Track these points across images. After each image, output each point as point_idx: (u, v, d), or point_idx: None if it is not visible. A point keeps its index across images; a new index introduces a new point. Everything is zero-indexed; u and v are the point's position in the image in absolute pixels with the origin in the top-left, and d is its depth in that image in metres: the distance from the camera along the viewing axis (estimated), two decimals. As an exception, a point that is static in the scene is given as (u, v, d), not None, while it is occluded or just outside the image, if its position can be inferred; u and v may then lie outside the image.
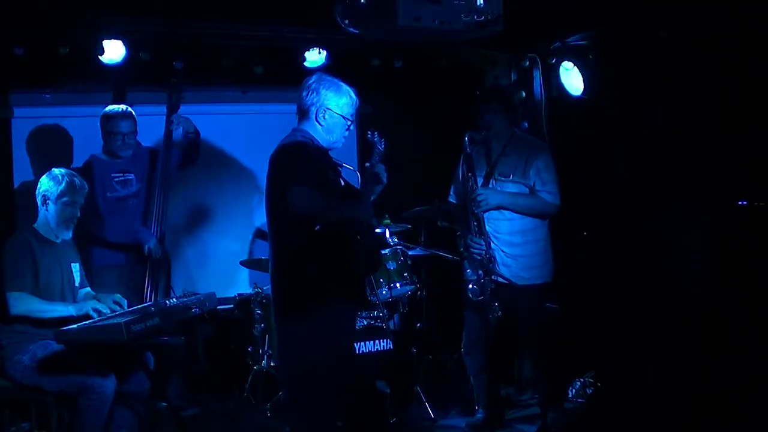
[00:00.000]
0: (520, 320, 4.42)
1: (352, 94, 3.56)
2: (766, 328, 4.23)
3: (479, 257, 4.32)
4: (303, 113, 3.54)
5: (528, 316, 4.41)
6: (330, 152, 3.61)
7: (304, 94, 3.52)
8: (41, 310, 3.89)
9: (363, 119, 5.63)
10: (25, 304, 3.87)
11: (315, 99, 3.49)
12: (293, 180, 3.29)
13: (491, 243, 4.36)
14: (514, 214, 4.41)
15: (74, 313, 3.90)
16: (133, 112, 4.84)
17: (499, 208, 4.39)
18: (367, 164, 3.52)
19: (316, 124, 3.51)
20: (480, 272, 4.32)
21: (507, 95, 4.68)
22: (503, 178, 4.44)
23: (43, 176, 4.11)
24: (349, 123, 3.56)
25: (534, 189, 4.41)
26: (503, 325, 4.32)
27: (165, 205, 4.83)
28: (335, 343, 3.45)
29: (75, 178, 4.10)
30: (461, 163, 4.53)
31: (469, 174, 4.39)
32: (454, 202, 4.72)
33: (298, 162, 3.35)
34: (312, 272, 3.39)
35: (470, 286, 4.34)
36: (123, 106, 4.84)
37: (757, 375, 4.16)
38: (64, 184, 4.05)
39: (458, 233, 4.86)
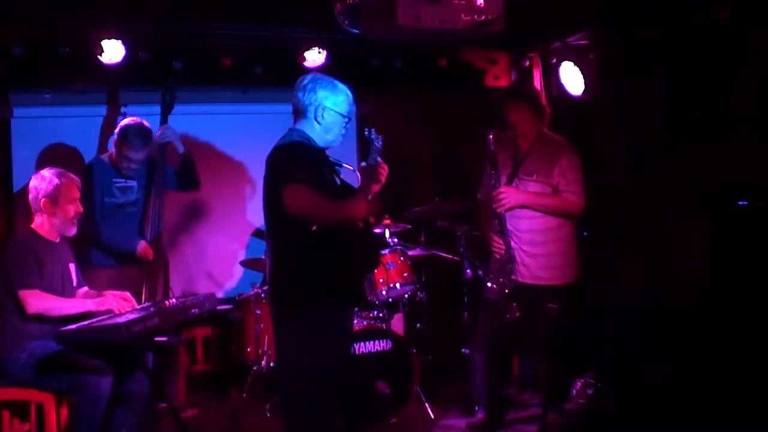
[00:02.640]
0: (534, 320, 4.37)
1: (348, 92, 3.54)
2: (766, 327, 4.23)
3: (499, 256, 4.31)
4: (300, 113, 3.53)
5: (541, 316, 4.36)
6: (328, 151, 3.60)
7: (301, 94, 3.50)
8: (60, 307, 3.89)
9: (363, 120, 5.64)
10: (41, 302, 3.86)
11: (313, 98, 3.47)
12: (289, 180, 3.28)
13: (511, 242, 4.34)
14: (537, 213, 4.36)
15: (93, 309, 3.92)
16: (151, 135, 4.73)
17: (521, 207, 4.35)
18: (363, 163, 3.51)
19: (315, 123, 3.50)
20: (497, 271, 4.28)
21: (534, 94, 4.60)
22: (527, 177, 4.39)
23: (33, 178, 4.07)
24: (346, 120, 3.55)
25: (558, 189, 4.36)
26: (516, 326, 4.30)
27: (160, 211, 4.80)
28: (331, 343, 3.44)
29: (63, 178, 4.05)
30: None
31: (493, 172, 4.35)
32: (482, 199, 4.68)
33: (294, 162, 3.34)
34: (308, 272, 3.39)
35: (488, 284, 4.31)
36: (145, 126, 4.71)
37: (756, 375, 4.16)
38: (54, 185, 4.00)
39: (458, 233, 4.86)
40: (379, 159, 3.48)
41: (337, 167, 3.66)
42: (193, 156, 4.97)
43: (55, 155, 5.31)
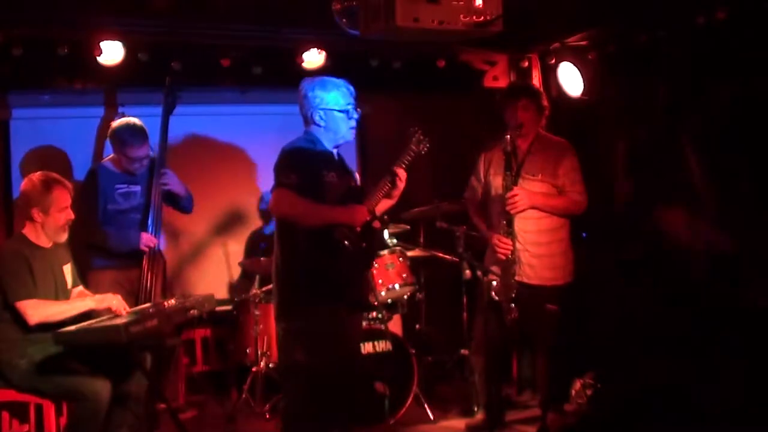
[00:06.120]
0: (535, 321, 4.36)
1: (342, 85, 3.60)
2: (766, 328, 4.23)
3: (504, 257, 4.30)
4: (305, 120, 3.63)
5: (544, 316, 4.34)
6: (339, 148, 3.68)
7: (301, 103, 3.61)
8: (61, 312, 3.85)
9: (363, 120, 5.62)
10: (41, 310, 3.82)
11: (308, 103, 3.57)
12: (276, 184, 3.45)
13: (516, 243, 4.33)
14: (543, 213, 4.38)
15: (94, 307, 3.91)
16: (146, 129, 4.65)
17: (532, 208, 4.35)
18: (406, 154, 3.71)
19: (317, 126, 3.58)
20: (502, 272, 4.29)
21: (539, 93, 4.60)
22: (531, 177, 4.40)
23: (23, 183, 3.99)
24: (347, 114, 3.60)
25: (563, 189, 4.40)
26: (518, 326, 4.30)
27: (160, 203, 4.76)
28: (330, 343, 3.49)
29: (54, 186, 3.95)
30: (481, 160, 4.55)
31: (507, 173, 4.32)
32: (470, 199, 4.68)
33: (284, 166, 3.47)
34: (304, 273, 3.47)
35: (494, 284, 4.30)
36: (136, 124, 4.63)
37: (755, 375, 4.15)
38: (44, 194, 3.92)
39: (457, 234, 4.85)
40: (404, 163, 3.62)
41: (346, 169, 3.72)
42: (192, 199, 4.92)
43: (54, 156, 5.30)
